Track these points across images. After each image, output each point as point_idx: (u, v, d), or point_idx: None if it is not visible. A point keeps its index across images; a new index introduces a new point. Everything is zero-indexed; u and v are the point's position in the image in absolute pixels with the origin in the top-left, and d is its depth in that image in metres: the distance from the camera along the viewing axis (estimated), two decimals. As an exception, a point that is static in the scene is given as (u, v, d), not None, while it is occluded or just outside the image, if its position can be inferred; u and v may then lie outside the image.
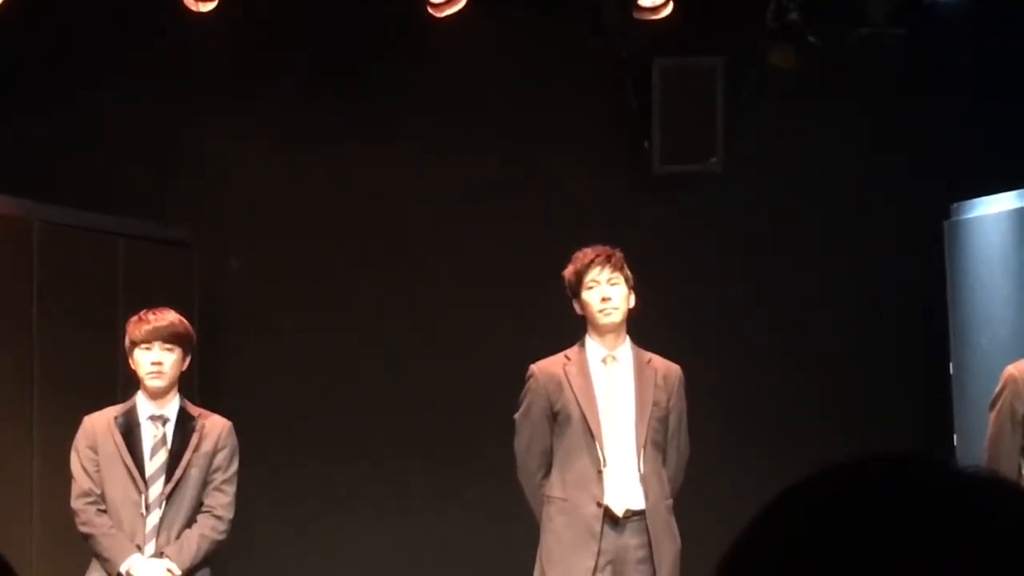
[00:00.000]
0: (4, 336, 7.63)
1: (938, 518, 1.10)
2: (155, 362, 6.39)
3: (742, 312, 8.95)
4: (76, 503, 6.37)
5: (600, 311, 6.52)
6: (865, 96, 8.79)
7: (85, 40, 8.73)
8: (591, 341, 6.58)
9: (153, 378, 6.40)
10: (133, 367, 6.46)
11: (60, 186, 8.47)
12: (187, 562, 6.33)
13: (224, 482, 6.46)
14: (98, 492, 6.35)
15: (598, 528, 6.40)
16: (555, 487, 6.50)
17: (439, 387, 8.88)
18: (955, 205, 8.32)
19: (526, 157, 9.00)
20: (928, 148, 8.81)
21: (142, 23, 8.67)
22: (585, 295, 6.55)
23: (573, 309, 6.62)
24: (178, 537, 6.34)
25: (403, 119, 9.04)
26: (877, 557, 1.09)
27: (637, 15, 8.31)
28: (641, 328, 6.70)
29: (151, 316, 6.44)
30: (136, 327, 6.43)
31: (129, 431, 6.40)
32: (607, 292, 6.52)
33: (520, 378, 6.65)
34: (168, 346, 6.40)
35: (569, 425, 6.48)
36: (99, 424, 6.41)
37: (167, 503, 6.36)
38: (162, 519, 6.35)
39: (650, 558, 6.41)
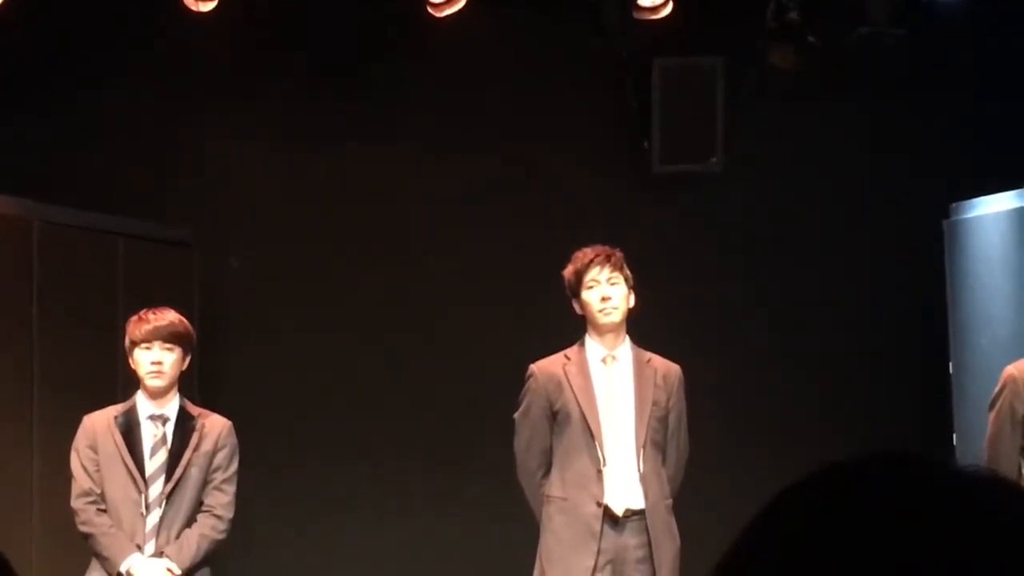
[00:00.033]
0: (4, 336, 7.63)
1: (938, 518, 1.10)
2: (155, 362, 6.39)
3: (742, 312, 8.95)
4: (76, 503, 6.37)
5: (600, 311, 6.53)
6: (865, 96, 8.79)
7: (85, 40, 8.73)
8: (591, 341, 6.58)
9: (153, 378, 6.40)
10: (133, 367, 6.46)
11: (60, 186, 8.47)
12: (187, 562, 6.33)
13: (224, 482, 6.46)
14: (98, 492, 6.35)
15: (598, 528, 6.40)
16: (555, 487, 6.51)
17: (439, 387, 8.88)
18: (955, 205, 8.32)
19: (526, 157, 9.00)
20: (928, 148, 8.81)
21: (142, 23, 8.68)
22: (585, 295, 6.55)
23: (573, 309, 6.62)
24: (178, 537, 6.35)
25: (403, 119, 9.04)
26: (877, 557, 1.09)
27: (637, 15, 8.31)
28: (641, 328, 6.70)
29: (151, 316, 6.44)
30: (136, 327, 6.43)
31: (129, 431, 6.40)
32: (607, 292, 6.52)
33: (520, 378, 6.65)
34: (168, 346, 6.40)
35: (569, 425, 6.48)
36: (99, 424, 6.41)
37: (167, 503, 6.36)
38: (162, 519, 6.35)
39: (650, 558, 6.41)
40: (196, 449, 6.42)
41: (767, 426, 8.78)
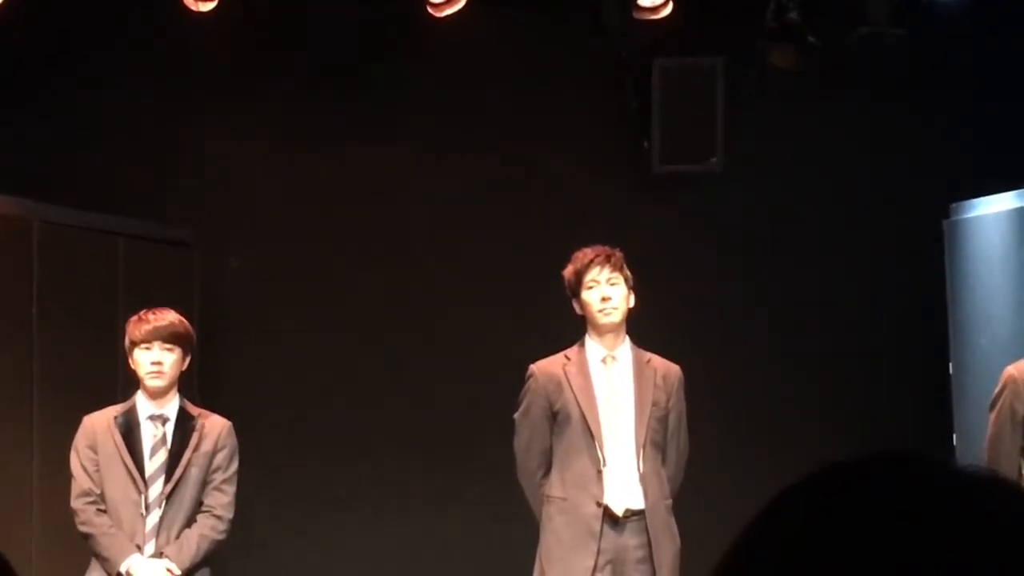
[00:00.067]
0: (4, 336, 7.63)
1: (938, 518, 1.10)
2: (155, 362, 6.39)
3: (742, 312, 8.95)
4: (76, 503, 6.37)
5: (600, 311, 6.53)
6: (865, 96, 8.79)
7: (85, 40, 8.73)
8: (591, 341, 6.58)
9: (153, 378, 6.40)
10: (133, 367, 6.46)
11: (60, 186, 8.47)
12: (187, 562, 6.33)
13: (224, 482, 6.46)
14: (98, 492, 6.35)
15: (598, 528, 6.40)
16: (555, 487, 6.51)
17: (439, 387, 8.88)
18: (955, 205, 8.31)
19: (526, 157, 9.00)
20: (928, 148, 8.81)
21: (142, 23, 8.68)
22: (585, 295, 6.55)
23: (573, 309, 6.62)
24: (178, 537, 6.34)
25: (403, 119, 9.04)
26: (877, 557, 1.09)
27: (637, 15, 8.31)
28: (641, 328, 6.70)
29: (151, 316, 6.44)
30: (136, 327, 6.43)
31: (129, 431, 6.40)
32: (607, 292, 6.52)
33: (520, 378, 6.65)
34: (168, 346, 6.40)
35: (569, 425, 6.48)
36: (99, 424, 6.41)
37: (167, 503, 6.36)
38: (162, 519, 6.35)
39: (649, 558, 6.41)
40: (196, 449, 6.42)
41: (767, 426, 8.78)
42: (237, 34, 8.56)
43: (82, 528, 6.35)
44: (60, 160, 8.73)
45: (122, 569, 6.28)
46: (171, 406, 6.46)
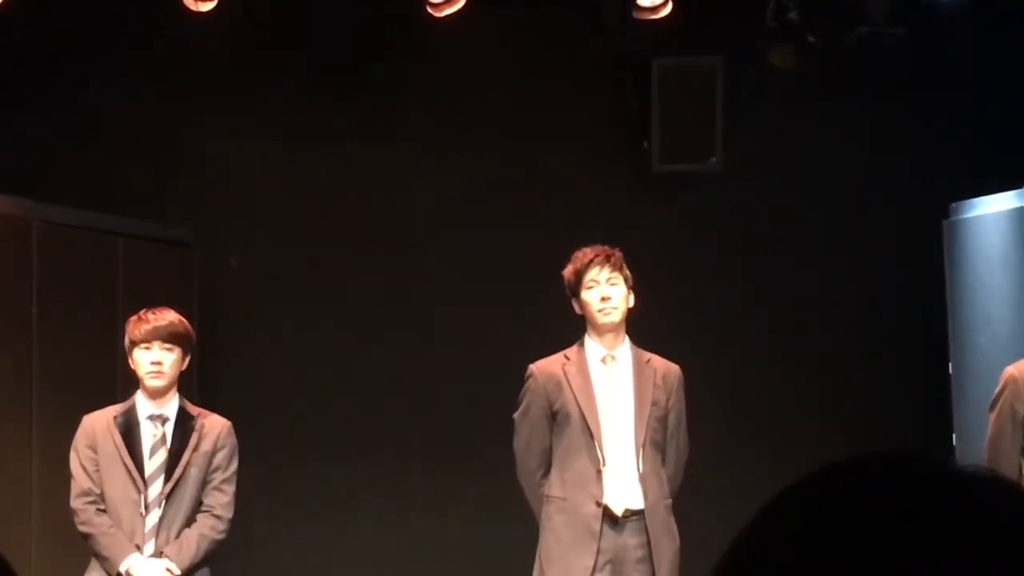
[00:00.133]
0: (4, 336, 7.63)
1: (938, 518, 1.10)
2: (155, 362, 6.39)
3: (742, 312, 8.95)
4: (75, 502, 6.37)
5: (599, 311, 6.53)
6: (865, 96, 8.78)
7: (85, 40, 8.73)
8: (590, 341, 6.58)
9: (152, 378, 6.40)
10: (132, 367, 6.46)
11: (60, 186, 8.47)
12: (186, 562, 6.33)
13: (223, 482, 6.46)
14: (97, 492, 6.35)
15: (597, 527, 6.40)
16: (554, 486, 6.51)
17: (439, 387, 8.88)
18: (954, 205, 8.31)
19: (526, 157, 9.00)
20: (928, 148, 8.81)
21: (142, 23, 8.68)
22: (584, 295, 6.55)
23: (573, 309, 6.62)
24: (177, 537, 6.34)
25: (403, 119, 9.04)
26: (877, 557, 1.09)
27: (636, 15, 8.31)
28: (641, 328, 6.70)
29: (151, 316, 6.44)
30: (136, 327, 6.43)
31: (128, 430, 6.40)
32: (606, 292, 6.52)
33: (520, 378, 6.65)
34: (168, 346, 6.40)
35: (568, 424, 6.48)
36: (98, 423, 6.41)
37: (166, 502, 6.36)
38: (161, 519, 6.35)
39: (649, 558, 6.41)
40: (195, 449, 6.42)
41: (767, 426, 8.78)
42: (237, 34, 8.56)
43: (82, 528, 6.35)
44: (60, 160, 8.73)
45: (122, 569, 6.28)
46: (171, 406, 6.45)
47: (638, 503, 6.43)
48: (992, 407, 6.13)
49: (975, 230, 8.13)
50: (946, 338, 8.23)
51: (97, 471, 6.36)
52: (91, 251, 8.15)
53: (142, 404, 6.44)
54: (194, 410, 6.52)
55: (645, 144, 8.84)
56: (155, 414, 6.43)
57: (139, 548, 6.30)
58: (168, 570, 6.30)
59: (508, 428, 6.65)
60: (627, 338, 6.61)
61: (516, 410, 6.62)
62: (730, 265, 8.98)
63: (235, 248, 9.01)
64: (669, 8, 8.24)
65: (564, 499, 6.46)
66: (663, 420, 6.52)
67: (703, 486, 7.15)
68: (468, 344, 8.87)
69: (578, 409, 6.47)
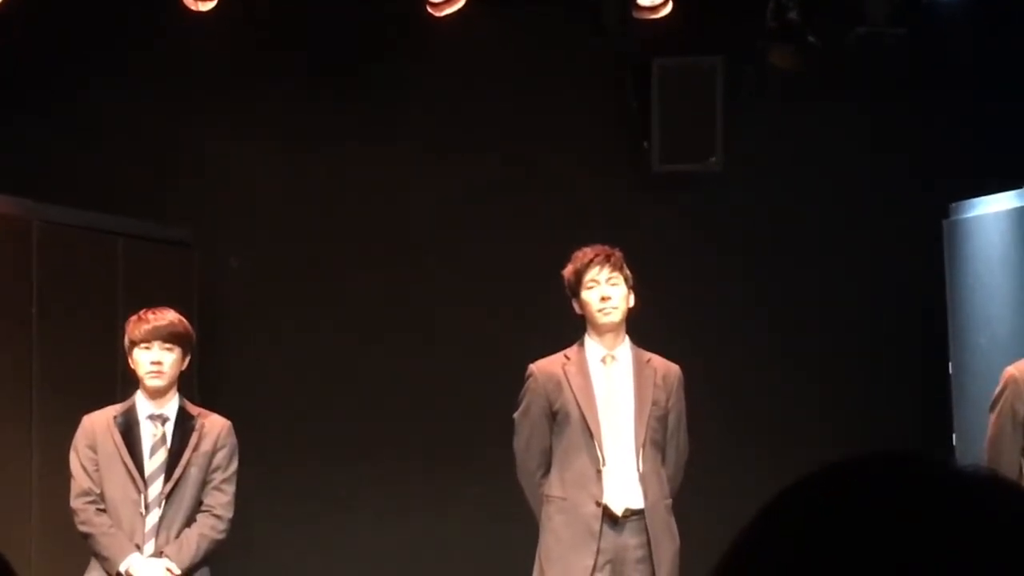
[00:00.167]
0: (4, 336, 7.63)
1: (938, 518, 1.10)
2: (154, 361, 6.39)
3: (742, 312, 8.95)
4: (75, 502, 6.37)
5: (599, 311, 6.52)
6: (865, 96, 8.78)
7: (85, 40, 8.73)
8: (590, 341, 6.58)
9: (152, 377, 6.40)
10: (132, 366, 6.46)
11: (60, 186, 8.47)
12: (186, 561, 6.33)
13: (223, 481, 6.46)
14: (97, 491, 6.35)
15: (597, 527, 6.40)
16: (554, 486, 6.50)
17: (439, 387, 8.87)
18: (954, 205, 8.31)
19: (526, 157, 9.00)
20: (928, 148, 8.81)
21: (142, 23, 8.68)
22: (584, 295, 6.55)
23: (573, 309, 6.62)
24: (177, 536, 6.34)
25: (403, 119, 9.04)
26: (877, 557, 1.09)
27: (636, 15, 8.31)
28: (641, 328, 6.70)
29: (151, 316, 6.44)
30: (136, 327, 6.43)
31: (128, 430, 6.40)
32: (606, 292, 6.52)
33: (520, 378, 6.65)
34: (168, 346, 6.40)
35: (568, 424, 6.48)
36: (98, 423, 6.41)
37: (166, 502, 6.36)
38: (161, 518, 6.35)
39: (649, 557, 6.41)
40: (195, 449, 6.42)
41: (767, 426, 8.78)
42: (237, 34, 8.56)
43: (82, 528, 6.35)
44: (60, 160, 8.73)
45: (122, 569, 6.28)
46: (171, 406, 6.46)
47: (638, 503, 6.43)
48: (992, 407, 6.13)
49: (975, 230, 8.13)
50: (946, 338, 8.23)
51: (97, 471, 6.36)
52: (91, 251, 8.15)
53: (142, 404, 6.44)
54: (194, 410, 6.52)
55: (645, 144, 8.84)
56: (155, 414, 6.43)
57: (139, 548, 6.30)
58: (168, 570, 6.30)
59: (508, 428, 6.65)
60: (627, 338, 6.61)
61: (516, 410, 6.62)
62: (730, 265, 8.98)
63: (235, 248, 9.01)
64: (669, 8, 8.24)
65: (564, 499, 6.46)
66: (663, 420, 6.52)
67: (703, 486, 7.15)
68: (468, 344, 8.87)
69: (578, 409, 6.47)
